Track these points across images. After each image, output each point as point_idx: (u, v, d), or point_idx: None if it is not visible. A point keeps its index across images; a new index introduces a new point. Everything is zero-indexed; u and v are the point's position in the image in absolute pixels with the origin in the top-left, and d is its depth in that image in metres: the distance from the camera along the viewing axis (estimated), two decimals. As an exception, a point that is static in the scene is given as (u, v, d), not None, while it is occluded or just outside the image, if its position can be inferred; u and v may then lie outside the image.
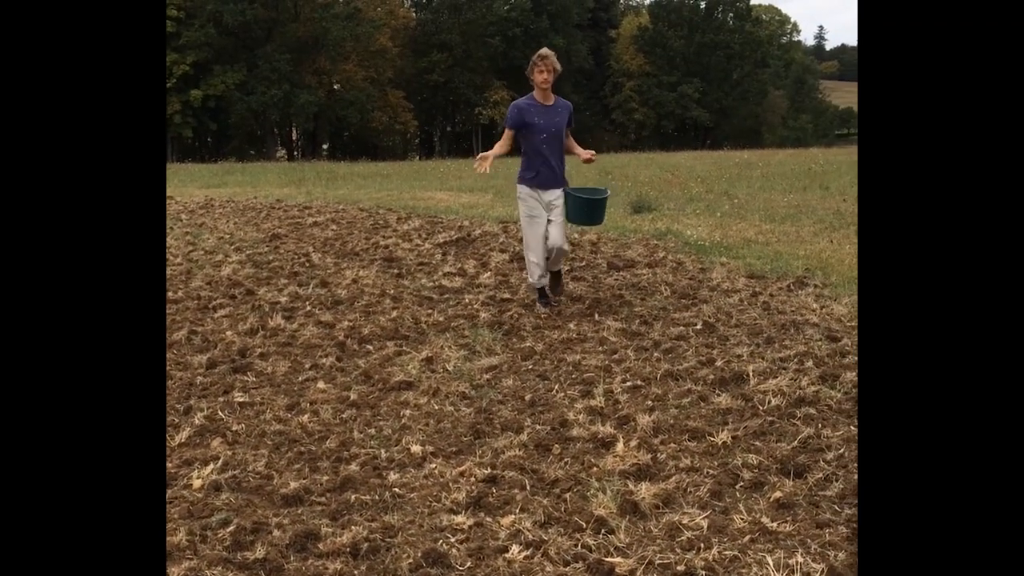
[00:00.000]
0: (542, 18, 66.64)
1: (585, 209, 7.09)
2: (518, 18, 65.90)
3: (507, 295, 7.95)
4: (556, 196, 7.06)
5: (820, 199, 16.64)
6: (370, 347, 6.43)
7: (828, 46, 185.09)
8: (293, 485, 4.02)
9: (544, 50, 6.95)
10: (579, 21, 70.68)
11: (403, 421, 4.91)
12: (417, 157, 61.39)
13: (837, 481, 3.85)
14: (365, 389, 5.48)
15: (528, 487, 3.94)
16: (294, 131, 66.34)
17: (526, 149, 7.03)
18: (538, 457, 4.31)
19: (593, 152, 7.25)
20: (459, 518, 3.63)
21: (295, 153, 63.25)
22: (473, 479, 4.04)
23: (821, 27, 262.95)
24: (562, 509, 3.71)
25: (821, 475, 3.91)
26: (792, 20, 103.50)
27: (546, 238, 7.04)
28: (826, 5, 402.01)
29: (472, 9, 65.13)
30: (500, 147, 7.07)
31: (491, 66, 66.93)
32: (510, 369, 5.83)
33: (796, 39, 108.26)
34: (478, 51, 65.88)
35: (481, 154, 7.03)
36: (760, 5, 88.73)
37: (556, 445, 4.43)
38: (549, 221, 7.03)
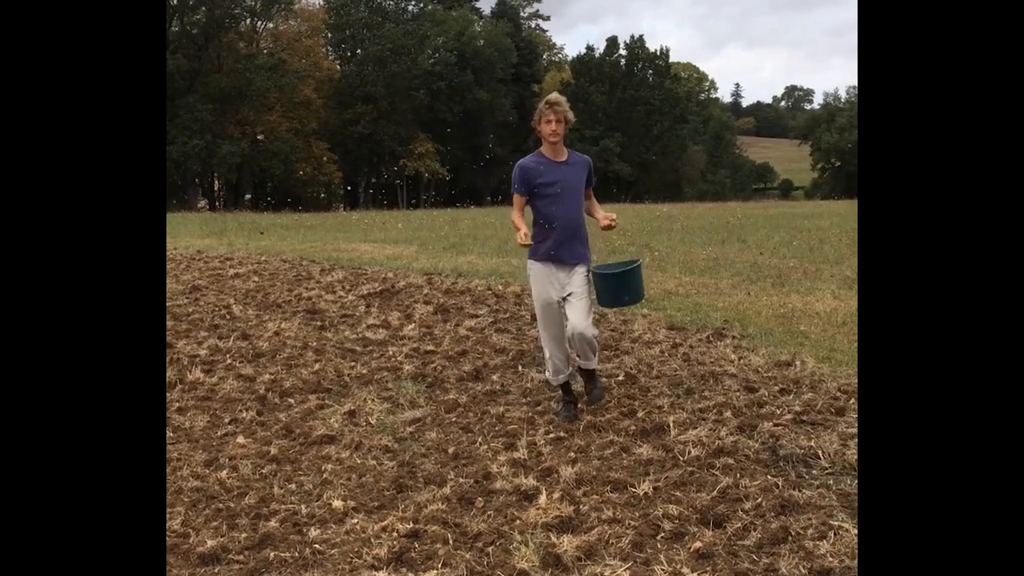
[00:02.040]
0: (467, 72, 67.35)
1: (615, 284, 5.71)
2: (443, 72, 66.48)
3: (431, 347, 7.94)
4: (576, 273, 5.66)
5: (738, 252, 17.02)
6: (291, 400, 6.35)
7: (744, 103, 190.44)
8: (210, 543, 3.93)
9: (554, 95, 5.72)
10: (503, 76, 71.56)
11: (324, 475, 4.86)
12: (342, 208, 61.10)
13: (755, 530, 3.91)
14: (286, 443, 5.41)
15: (451, 541, 3.92)
16: (216, 181, 65.57)
17: (536, 216, 5.71)
18: (461, 511, 4.29)
19: (614, 216, 5.66)
20: (380, 574, 3.60)
21: (217, 203, 62.45)
22: (395, 534, 4.00)
23: (738, 84, 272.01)
24: (485, 563, 3.70)
25: (740, 524, 3.98)
26: (710, 78, 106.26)
27: (564, 324, 5.70)
28: (742, 64, 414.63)
29: (397, 62, 65.49)
30: (519, 214, 5.68)
31: (416, 119, 67.24)
32: (433, 422, 5.82)
33: (714, 96, 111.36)
34: (403, 104, 66.15)
35: (518, 232, 5.54)
36: (679, 63, 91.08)
37: (479, 498, 4.43)
38: (567, 301, 5.65)
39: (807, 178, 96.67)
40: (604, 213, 5.73)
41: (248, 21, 64.41)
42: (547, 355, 5.84)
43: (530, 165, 5.68)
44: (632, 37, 77.36)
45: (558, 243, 5.61)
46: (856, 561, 3.51)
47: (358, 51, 69.26)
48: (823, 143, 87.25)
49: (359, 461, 5.08)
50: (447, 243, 20.14)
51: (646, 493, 4.38)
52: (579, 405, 5.91)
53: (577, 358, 5.86)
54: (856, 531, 3.81)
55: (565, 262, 5.65)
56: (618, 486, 4.51)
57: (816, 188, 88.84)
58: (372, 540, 3.94)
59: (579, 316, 5.56)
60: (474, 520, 4.14)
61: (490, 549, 3.83)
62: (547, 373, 5.93)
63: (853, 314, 9.15)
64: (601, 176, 72.41)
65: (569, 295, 5.62)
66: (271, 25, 66.09)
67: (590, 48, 77.64)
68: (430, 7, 71.35)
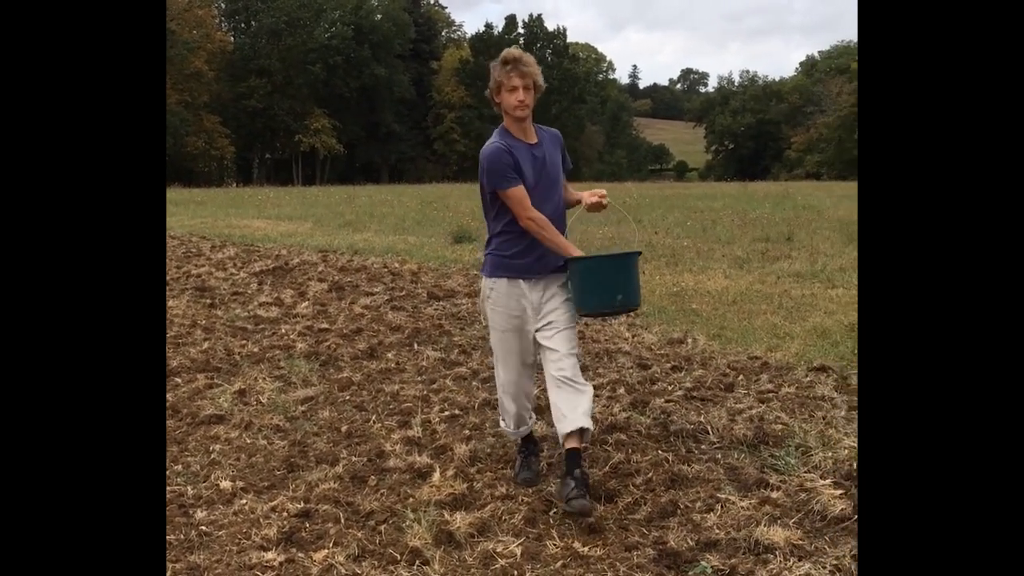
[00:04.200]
0: (364, 47, 66.49)
1: (606, 275, 3.99)
2: (339, 46, 65.48)
3: (325, 325, 7.82)
4: (556, 292, 4.15)
5: (633, 232, 17.26)
6: (179, 380, 6.17)
7: (641, 84, 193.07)
8: (90, 527, 3.79)
9: (514, 50, 4.07)
10: (401, 52, 70.94)
11: (212, 456, 4.74)
12: (234, 184, 59.70)
13: (645, 505, 3.96)
14: (172, 424, 5.25)
15: (342, 520, 3.86)
16: (102, 154, 63.29)
17: (501, 218, 4.13)
18: (353, 489, 4.24)
19: (603, 192, 4.18)
20: (269, 555, 3.52)
21: (103, 177, 60.24)
22: (285, 514, 3.93)
23: (635, 66, 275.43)
24: (377, 541, 3.66)
25: (630, 499, 4.03)
26: (608, 59, 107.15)
27: (538, 363, 4.27)
28: (640, 46, 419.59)
29: (292, 35, 64.24)
30: (536, 213, 4.00)
31: (312, 93, 66.10)
32: (326, 400, 5.73)
33: (612, 77, 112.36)
34: (298, 78, 64.96)
35: (569, 249, 4.01)
36: (577, 43, 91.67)
37: (372, 477, 4.38)
38: (543, 330, 4.13)
39: (701, 160, 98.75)
40: (581, 193, 4.29)
41: (136, -12, 62.19)
42: (508, 401, 4.29)
43: (506, 146, 4.02)
44: (531, 16, 77.61)
45: (536, 252, 4.10)
46: (741, 532, 3.60)
47: (252, 23, 67.62)
48: (717, 126, 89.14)
49: (249, 441, 4.97)
50: (343, 220, 19.89)
51: (539, 470, 4.40)
52: (542, 462, 4.50)
53: (563, 413, 3.98)
54: (742, 503, 3.90)
55: (541, 275, 4.14)
56: (512, 463, 4.52)
57: (710, 170, 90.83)
58: (261, 521, 3.86)
59: (563, 348, 4.06)
60: (367, 499, 4.10)
61: (383, 527, 3.79)
62: (504, 423, 4.41)
63: (743, 293, 9.38)
64: (500, 155, 72.59)
65: (548, 323, 4.12)
66: (160, -7, 63.93)
67: (489, 26, 77.59)
68: (327, -21, 70.04)
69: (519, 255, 4.13)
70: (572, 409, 3.94)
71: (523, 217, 3.99)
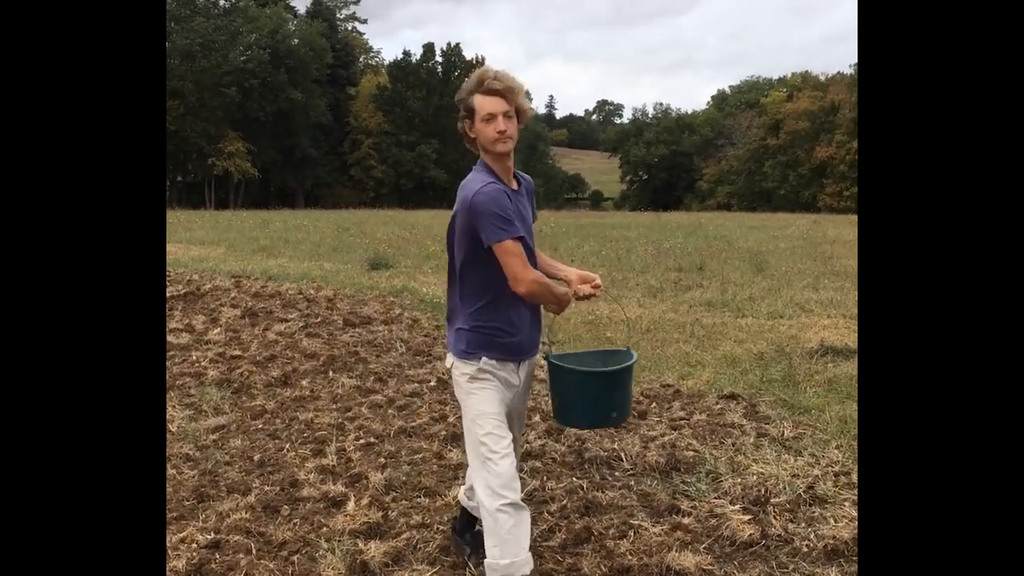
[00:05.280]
0: (280, 71, 65.84)
1: (605, 388, 3.40)
2: (255, 69, 64.71)
3: (237, 352, 7.69)
4: (524, 370, 3.47)
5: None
6: (84, 408, 6.00)
7: (558, 115, 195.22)
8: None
9: (490, 69, 3.28)
10: (318, 76, 70.41)
11: (119, 487, 4.61)
12: (144, 207, 58.19)
13: (560, 531, 4.00)
14: (77, 453, 5.11)
15: (254, 551, 3.80)
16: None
17: (479, 283, 3.27)
18: (266, 519, 4.18)
19: (596, 279, 3.47)
20: (179, 588, 3.45)
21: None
22: (195, 545, 3.85)
23: (552, 96, 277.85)
24: (289, 572, 3.62)
25: (545, 526, 4.06)
26: (526, 88, 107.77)
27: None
28: (557, 77, 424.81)
29: (207, 57, 63.27)
30: (530, 269, 3.20)
31: (226, 116, 65.12)
32: (238, 429, 5.64)
33: (529, 107, 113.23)
34: (212, 100, 63.95)
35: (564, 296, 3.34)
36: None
37: (285, 506, 4.32)
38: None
39: (616, 189, 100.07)
40: (578, 271, 3.52)
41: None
42: (508, 464, 3.22)
43: (501, 191, 3.17)
44: (449, 44, 77.98)
45: (527, 328, 3.40)
46: (653, 558, 3.65)
47: (166, 44, 66.49)
48: (631, 156, 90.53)
49: (158, 471, 4.86)
50: (257, 245, 19.62)
51: (455, 497, 4.40)
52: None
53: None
54: (654, 529, 3.96)
55: (526, 353, 3.43)
56: (428, 492, 4.51)
57: (624, 199, 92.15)
58: (170, 553, 3.77)
59: (518, 422, 3.61)
60: (279, 529, 4.04)
61: (295, 558, 3.74)
62: (497, 501, 3.17)
63: (656, 321, 9.53)
64: (417, 183, 72.65)
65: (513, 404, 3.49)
66: (69, 11, 62.49)
67: (407, 53, 77.66)
68: (242, 3, 69.28)
69: (510, 331, 3.30)
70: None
71: (525, 279, 3.11)
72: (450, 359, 3.39)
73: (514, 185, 3.31)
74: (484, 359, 3.28)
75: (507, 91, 3.18)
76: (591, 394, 3.37)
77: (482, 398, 3.28)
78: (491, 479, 3.16)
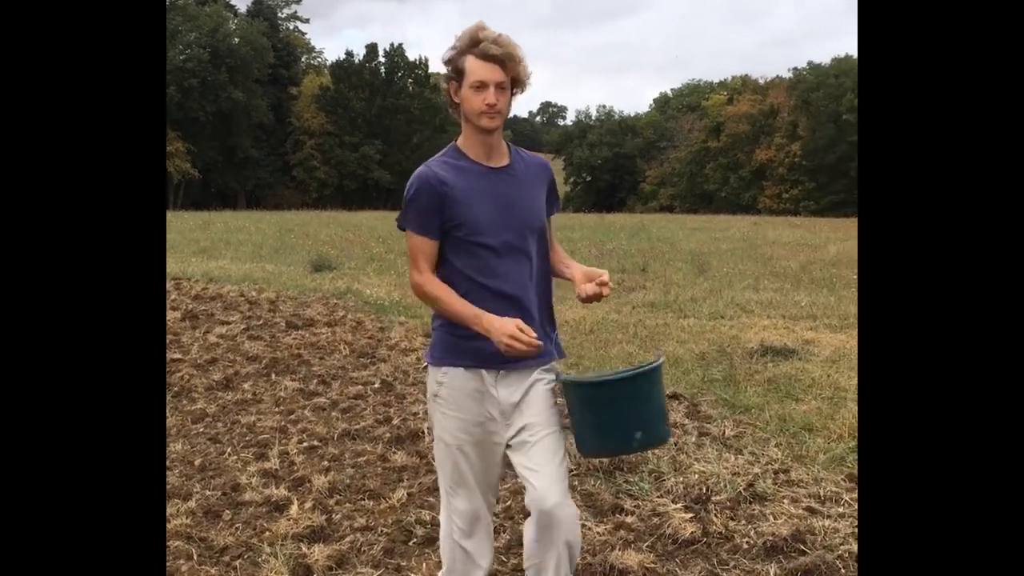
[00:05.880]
0: (221, 71, 65.01)
1: (624, 404, 2.69)
2: (195, 69, 63.79)
3: (178, 355, 7.59)
4: (536, 388, 2.85)
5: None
6: (19, 413, 5.88)
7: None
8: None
9: (488, 29, 2.77)
10: (259, 76, 69.63)
11: (56, 493, 4.53)
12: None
13: (504, 532, 4.01)
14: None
15: (195, 557, 3.76)
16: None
17: (455, 277, 2.79)
18: (207, 524, 4.13)
19: (605, 276, 2.83)
20: (117, 595, 3.40)
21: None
22: (135, 552, 3.79)
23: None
24: (232, 578, 3.58)
25: (490, 527, 4.06)
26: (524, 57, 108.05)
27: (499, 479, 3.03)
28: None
29: (145, 56, 62.28)
30: (440, 285, 2.77)
31: (166, 116, 64.21)
32: (179, 433, 5.56)
33: (527, 78, 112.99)
34: (151, 100, 62.95)
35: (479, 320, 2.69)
36: (439, 73, 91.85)
37: (227, 511, 4.28)
38: (518, 445, 2.82)
39: (560, 191, 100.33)
40: (584, 268, 2.95)
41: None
42: (463, 547, 2.93)
43: (438, 176, 2.75)
44: (392, 45, 77.67)
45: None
46: (597, 557, 3.68)
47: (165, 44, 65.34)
48: (575, 158, 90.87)
49: (95, 476, 4.78)
50: (197, 247, 19.36)
51: (400, 500, 4.39)
52: None
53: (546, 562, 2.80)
54: (598, 528, 4.00)
55: (514, 365, 2.80)
56: (373, 494, 4.49)
57: (568, 201, 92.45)
58: (108, 560, 3.71)
59: (550, 477, 2.77)
60: (221, 534, 4.00)
61: (237, 563, 3.71)
62: (456, 535, 2.94)
63: (599, 322, 9.60)
64: (361, 184, 72.18)
65: (523, 427, 2.82)
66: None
67: (349, 54, 77.14)
68: (181, 1, 68.27)
69: (452, 332, 2.80)
70: (556, 568, 2.78)
71: (412, 283, 2.80)
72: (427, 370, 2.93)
73: (501, 162, 2.84)
74: (446, 368, 2.80)
75: (506, 58, 2.71)
76: (600, 411, 2.69)
77: (446, 419, 2.83)
78: (454, 524, 2.92)
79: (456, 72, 2.76)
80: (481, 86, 2.70)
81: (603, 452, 2.80)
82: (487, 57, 2.69)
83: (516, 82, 2.80)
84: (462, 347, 2.77)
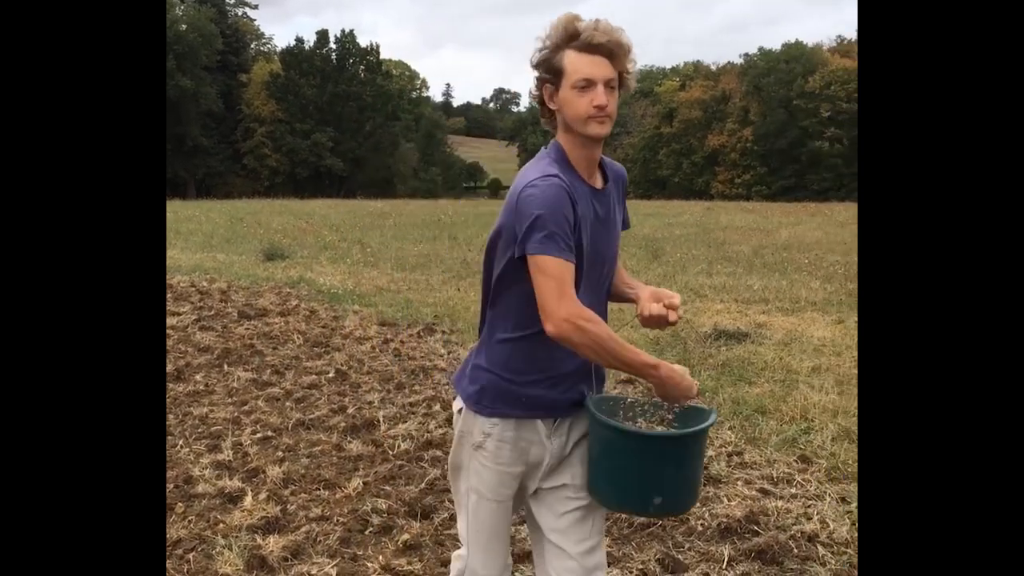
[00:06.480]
0: (169, 58, 64.01)
1: (650, 463, 2.23)
2: (142, 55, 62.83)
3: (127, 347, 7.48)
4: (579, 437, 2.44)
5: (448, 249, 17.37)
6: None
7: (455, 103, 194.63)
8: None
9: (589, 21, 2.25)
10: (208, 63, 68.65)
11: (3, 489, 4.44)
12: (26, 198, 56.01)
13: (461, 519, 4.01)
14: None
15: (148, 551, 3.71)
16: None
17: (523, 305, 2.28)
18: (160, 518, 4.08)
19: (677, 300, 2.44)
20: (68, 591, 3.34)
21: None
22: (85, 547, 3.73)
23: (448, 84, 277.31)
24: (185, 571, 3.54)
25: (447, 515, 4.06)
26: (421, 76, 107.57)
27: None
28: (454, 66, 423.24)
29: (90, 42, 61.18)
30: (584, 310, 2.21)
31: (112, 104, 63.09)
32: (130, 426, 5.48)
33: (425, 95, 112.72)
34: (97, 87, 61.89)
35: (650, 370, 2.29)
36: (391, 60, 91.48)
37: (179, 503, 4.22)
38: (542, 496, 2.47)
39: (514, 178, 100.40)
40: (651, 288, 2.54)
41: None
42: None
43: (572, 191, 2.24)
44: (343, 31, 76.97)
45: (577, 372, 2.40)
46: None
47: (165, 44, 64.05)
48: (529, 145, 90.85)
49: (44, 471, 4.69)
50: (147, 237, 19.05)
51: (356, 489, 4.37)
52: None
53: None
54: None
55: (568, 411, 2.41)
56: (328, 484, 4.47)
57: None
58: (58, 556, 3.65)
59: (586, 548, 2.43)
60: (173, 526, 3.95)
61: (191, 556, 3.66)
62: None
63: (554, 308, 9.61)
64: (313, 171, 71.54)
65: (562, 485, 2.44)
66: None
67: (300, 40, 76.24)
68: (128, -14, 66.97)
69: (543, 379, 2.35)
70: None
71: (555, 315, 2.16)
72: (459, 402, 2.45)
73: (598, 182, 2.36)
74: (498, 420, 2.35)
75: (615, 46, 2.22)
76: (621, 462, 2.25)
77: (487, 471, 2.39)
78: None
79: (551, 72, 2.27)
80: (588, 85, 2.21)
81: (606, 501, 2.36)
82: (591, 48, 2.21)
83: (623, 80, 2.30)
84: (518, 395, 2.33)
